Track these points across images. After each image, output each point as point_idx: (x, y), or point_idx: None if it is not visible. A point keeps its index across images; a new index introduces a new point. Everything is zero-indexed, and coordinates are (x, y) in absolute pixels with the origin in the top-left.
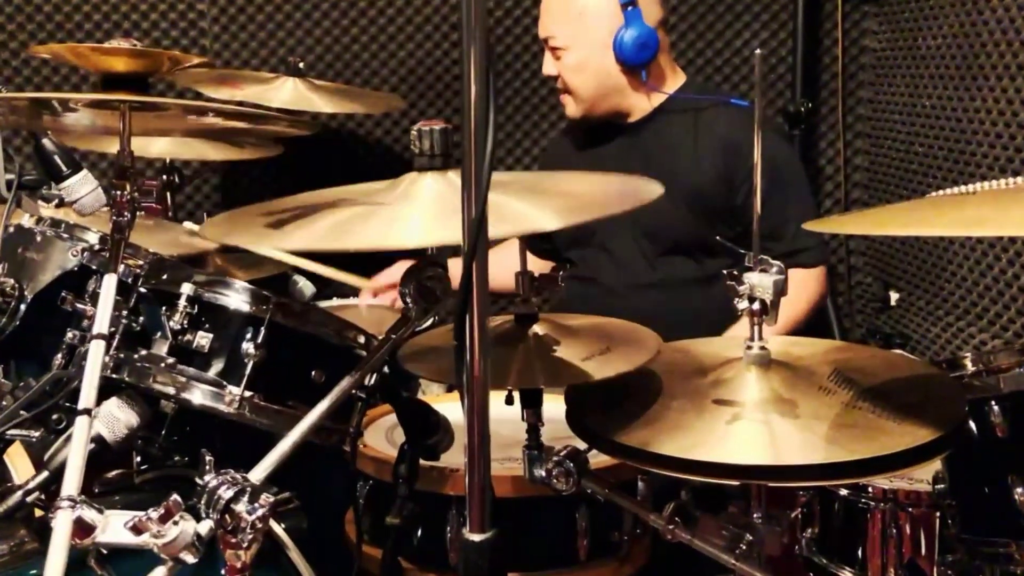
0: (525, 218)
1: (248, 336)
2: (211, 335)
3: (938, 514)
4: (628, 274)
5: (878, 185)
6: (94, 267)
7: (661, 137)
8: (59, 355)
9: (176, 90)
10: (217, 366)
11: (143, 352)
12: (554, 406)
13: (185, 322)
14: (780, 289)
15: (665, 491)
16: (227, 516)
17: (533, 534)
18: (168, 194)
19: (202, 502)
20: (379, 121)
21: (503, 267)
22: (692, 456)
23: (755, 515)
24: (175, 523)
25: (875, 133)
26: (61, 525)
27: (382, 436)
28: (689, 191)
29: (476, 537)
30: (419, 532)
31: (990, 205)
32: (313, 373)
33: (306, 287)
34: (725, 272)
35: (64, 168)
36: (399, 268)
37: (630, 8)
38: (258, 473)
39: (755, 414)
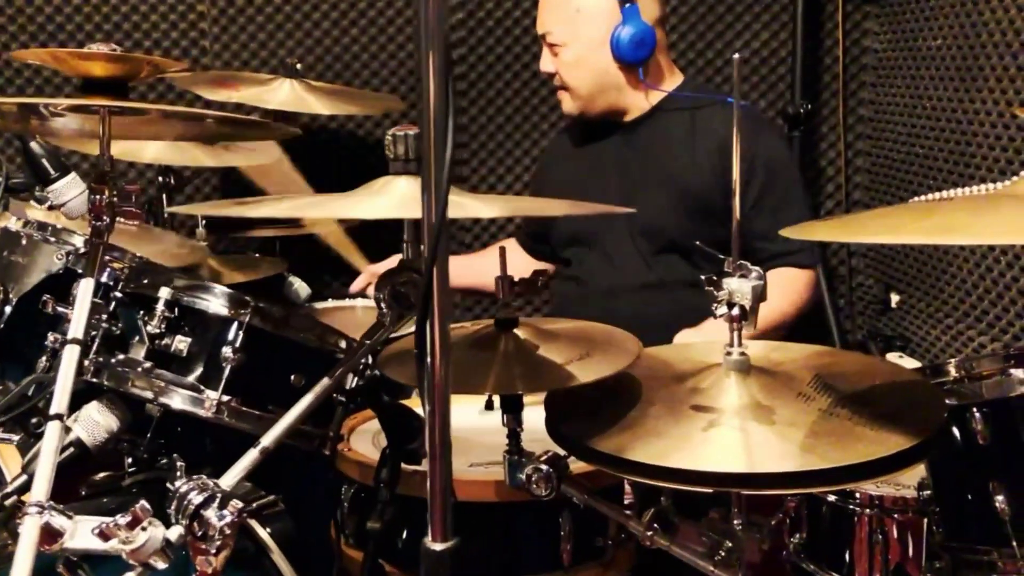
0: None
1: (227, 340)
2: (189, 339)
3: (925, 520)
4: (623, 274)
5: (879, 186)
6: (79, 270)
7: (658, 135)
8: (43, 358)
9: (176, 91)
10: (196, 370)
11: (121, 356)
12: (542, 412)
13: (163, 326)
14: (759, 294)
15: (653, 496)
16: (196, 522)
17: (516, 539)
18: (163, 197)
19: (172, 508)
20: (379, 122)
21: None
22: (665, 463)
23: (735, 522)
24: (143, 529)
25: (876, 134)
26: (28, 531)
27: (368, 441)
28: (686, 190)
29: (438, 546)
30: (403, 536)
31: (963, 212)
32: (293, 377)
33: (301, 288)
34: (704, 277)
35: (52, 171)
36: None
37: (628, 5)
38: (229, 479)
39: (731, 421)
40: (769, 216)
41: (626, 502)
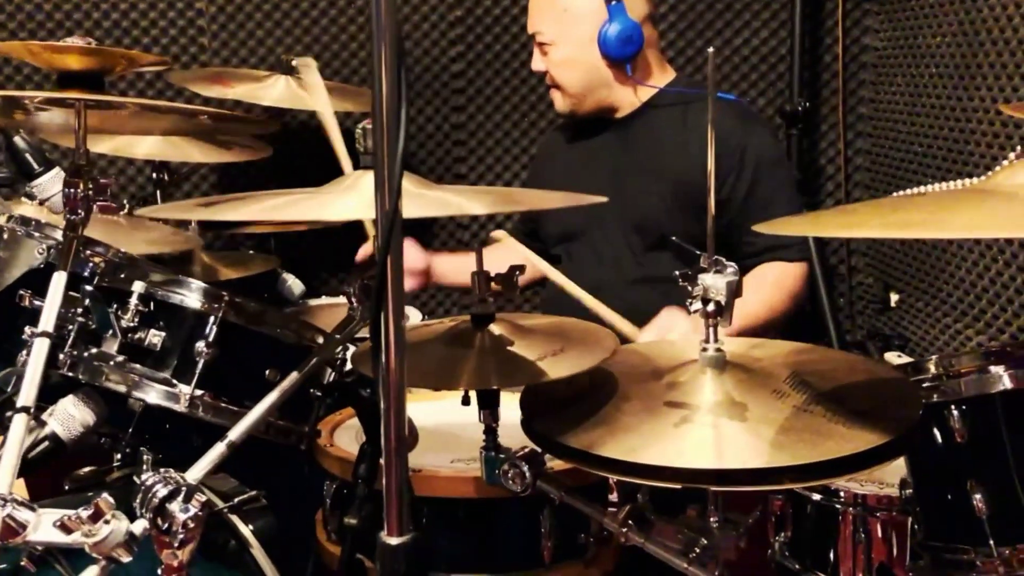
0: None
1: (201, 335)
2: (163, 333)
3: (909, 519)
4: (613, 270)
5: (879, 184)
6: None
7: (650, 131)
8: (23, 352)
9: (175, 89)
10: (170, 364)
11: (94, 350)
12: None
13: (136, 320)
14: (734, 290)
15: (635, 493)
16: (160, 515)
17: (496, 535)
18: (157, 193)
19: (137, 501)
20: None
21: (500, 266)
22: (635, 459)
23: (712, 519)
24: (106, 522)
25: (876, 132)
26: None
27: (352, 437)
28: (677, 184)
29: (393, 540)
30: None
31: (931, 207)
32: (268, 372)
33: (295, 285)
34: (678, 273)
35: (36, 166)
36: (404, 245)
37: (614, 3)
38: (195, 473)
39: (704, 417)
40: (759, 211)
41: (613, 499)
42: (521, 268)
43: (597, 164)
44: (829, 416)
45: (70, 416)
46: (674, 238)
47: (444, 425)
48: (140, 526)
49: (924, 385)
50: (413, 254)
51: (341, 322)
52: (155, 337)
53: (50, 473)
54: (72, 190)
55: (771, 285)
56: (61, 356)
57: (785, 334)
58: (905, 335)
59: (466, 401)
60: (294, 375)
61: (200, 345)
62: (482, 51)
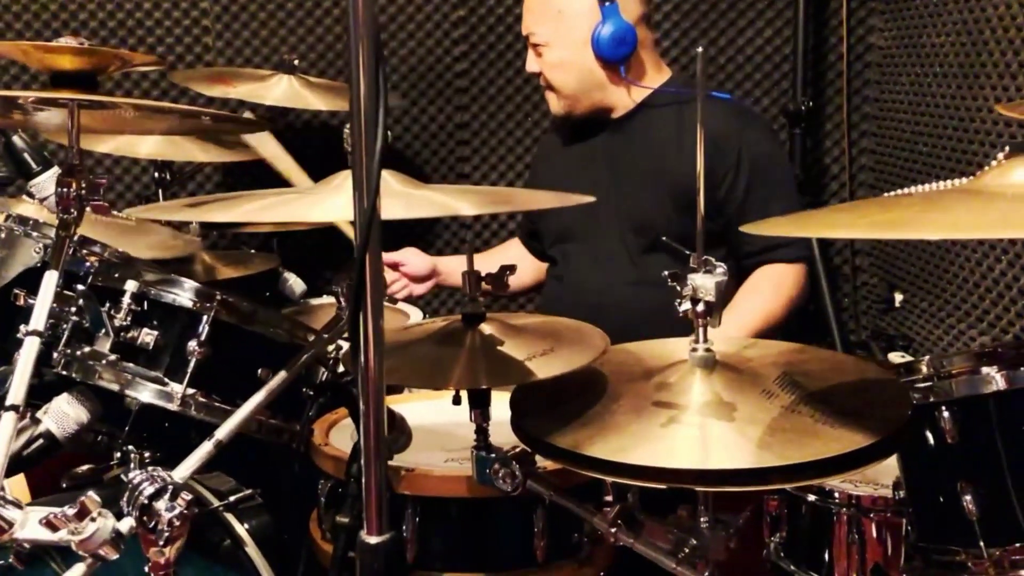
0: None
1: (193, 334)
2: (156, 332)
3: (903, 520)
4: (609, 272)
5: (883, 184)
6: None
7: (645, 132)
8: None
9: (179, 88)
10: (162, 363)
11: (87, 349)
12: None
13: (129, 319)
14: (723, 290)
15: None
16: (146, 514)
17: (489, 535)
18: (160, 193)
19: (124, 499)
20: None
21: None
22: (620, 459)
23: (702, 520)
24: (92, 520)
25: (880, 132)
26: None
27: (347, 436)
28: (674, 184)
29: (373, 539)
30: None
31: (917, 207)
32: (260, 371)
33: (296, 284)
34: (666, 273)
35: (34, 165)
36: (408, 253)
37: (607, 4)
38: (182, 471)
39: (691, 417)
40: (757, 211)
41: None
42: (512, 268)
43: (593, 165)
44: (817, 417)
45: (64, 414)
46: (664, 238)
47: (439, 424)
48: (127, 524)
49: (916, 386)
50: (418, 261)
51: (329, 321)
52: (148, 336)
53: (53, 471)
54: (65, 189)
55: (767, 295)
56: (55, 355)
57: (787, 334)
58: (909, 335)
59: (457, 400)
60: (282, 374)
61: (192, 344)
62: (485, 51)
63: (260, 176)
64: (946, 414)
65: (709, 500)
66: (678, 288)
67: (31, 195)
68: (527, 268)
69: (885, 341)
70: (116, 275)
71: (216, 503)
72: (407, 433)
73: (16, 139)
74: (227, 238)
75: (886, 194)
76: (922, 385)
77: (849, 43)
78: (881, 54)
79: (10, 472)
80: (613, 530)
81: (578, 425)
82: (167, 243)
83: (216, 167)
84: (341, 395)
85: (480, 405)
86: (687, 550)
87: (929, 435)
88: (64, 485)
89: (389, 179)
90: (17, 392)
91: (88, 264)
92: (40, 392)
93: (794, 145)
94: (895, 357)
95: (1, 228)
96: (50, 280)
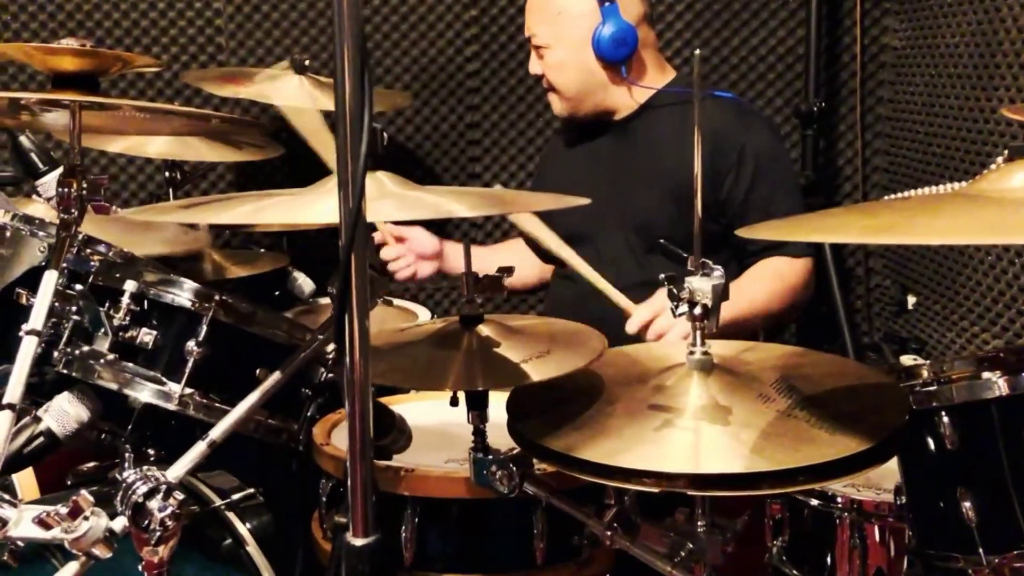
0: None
1: (192, 334)
2: (155, 332)
3: (906, 526)
4: (614, 274)
5: (897, 186)
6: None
7: (649, 133)
8: None
9: (192, 89)
10: (161, 363)
11: (86, 348)
12: None
13: (128, 319)
14: (720, 293)
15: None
16: (139, 513)
17: (489, 536)
18: (170, 193)
19: (117, 498)
20: (391, 119)
21: (516, 261)
22: (612, 462)
23: (699, 523)
24: (85, 518)
25: (894, 133)
26: None
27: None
28: (676, 185)
29: (358, 541)
30: None
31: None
32: (258, 372)
33: (305, 283)
34: (662, 276)
35: (41, 165)
36: (416, 230)
37: (607, 4)
38: (175, 471)
39: (686, 421)
40: (759, 209)
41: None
42: (509, 270)
43: (597, 167)
44: (813, 421)
45: (64, 412)
46: (662, 241)
47: (440, 425)
48: (120, 523)
49: (916, 390)
50: (425, 239)
51: (325, 321)
52: (147, 336)
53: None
54: (66, 189)
55: (772, 276)
56: (56, 353)
57: (799, 335)
58: (922, 338)
59: (454, 402)
60: (276, 374)
61: (191, 344)
62: (497, 51)
63: (272, 175)
64: (946, 419)
65: (706, 504)
66: (675, 291)
67: (38, 194)
68: (531, 268)
69: (897, 344)
70: (117, 275)
71: (218, 502)
72: (407, 434)
73: (23, 139)
74: (239, 237)
75: (887, 197)
76: (922, 390)
77: (863, 44)
78: (895, 55)
79: (10, 469)
80: (609, 533)
81: (572, 428)
82: (178, 239)
83: (229, 167)
84: (339, 395)
85: (477, 407)
86: (683, 554)
87: (929, 440)
88: (69, 483)
89: (384, 180)
90: (14, 390)
91: (91, 263)
92: (44, 390)
93: (806, 146)
94: (907, 360)
95: (7, 227)
96: (50, 279)
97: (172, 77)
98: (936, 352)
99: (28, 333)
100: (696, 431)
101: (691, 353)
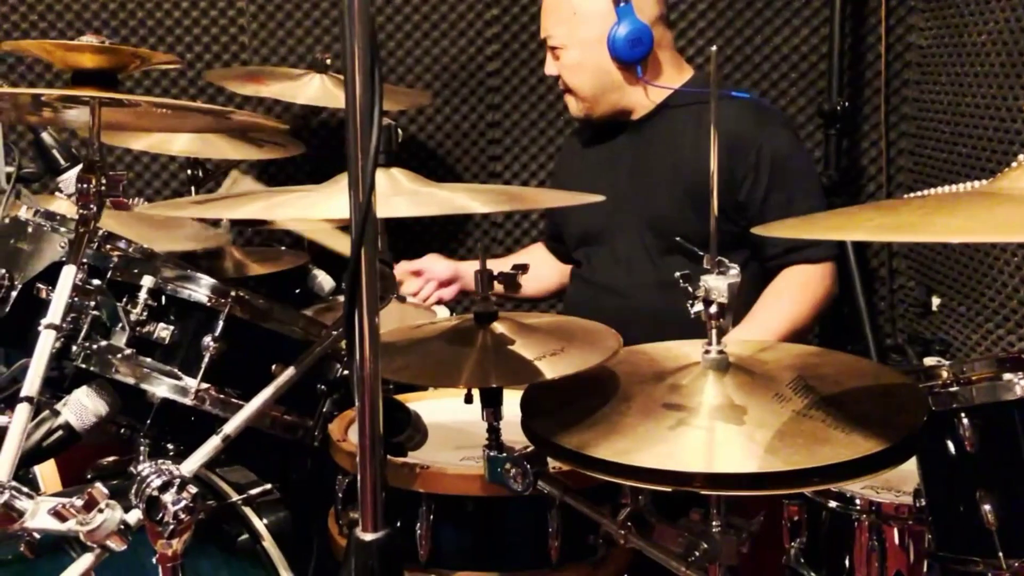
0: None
1: (208, 329)
2: (172, 327)
3: (925, 528)
4: (631, 273)
5: (922, 185)
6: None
7: (666, 132)
8: None
9: (216, 87)
10: (177, 358)
11: (103, 343)
12: None
13: (145, 314)
14: (735, 292)
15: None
16: (153, 506)
17: (503, 534)
18: (192, 190)
19: (132, 491)
20: (413, 118)
21: (529, 275)
22: (625, 460)
23: (714, 523)
24: (100, 511)
25: (919, 132)
26: None
27: None
28: (692, 186)
29: (368, 536)
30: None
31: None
32: (273, 367)
33: (325, 281)
34: (678, 275)
35: (62, 161)
36: (430, 259)
37: (622, 5)
38: (189, 465)
39: (700, 420)
40: (779, 210)
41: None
42: (524, 267)
43: (614, 167)
44: (829, 422)
45: (83, 406)
46: (678, 239)
47: (456, 421)
48: (134, 516)
49: (935, 391)
50: (439, 266)
51: (339, 318)
52: (164, 331)
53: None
54: (85, 185)
55: (792, 299)
56: (75, 348)
57: (821, 337)
58: (946, 339)
59: (469, 399)
60: (290, 371)
61: (207, 340)
62: (518, 50)
63: (294, 174)
64: (965, 421)
65: (722, 504)
66: (690, 289)
67: (60, 191)
68: (551, 273)
69: (921, 345)
70: (135, 270)
71: (235, 496)
72: (423, 431)
73: (45, 136)
74: (262, 235)
75: (908, 195)
76: (942, 391)
77: (888, 42)
78: (920, 53)
79: (29, 462)
80: (623, 532)
81: (586, 426)
82: (200, 235)
83: (251, 164)
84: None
85: (492, 404)
86: (698, 554)
87: (949, 443)
88: (88, 476)
89: (399, 177)
90: (33, 384)
91: (111, 259)
92: (64, 385)
93: (829, 146)
94: (931, 361)
95: (29, 223)
96: (68, 275)
97: (195, 76)
98: (961, 354)
99: (47, 327)
100: (711, 430)
101: (707, 352)
